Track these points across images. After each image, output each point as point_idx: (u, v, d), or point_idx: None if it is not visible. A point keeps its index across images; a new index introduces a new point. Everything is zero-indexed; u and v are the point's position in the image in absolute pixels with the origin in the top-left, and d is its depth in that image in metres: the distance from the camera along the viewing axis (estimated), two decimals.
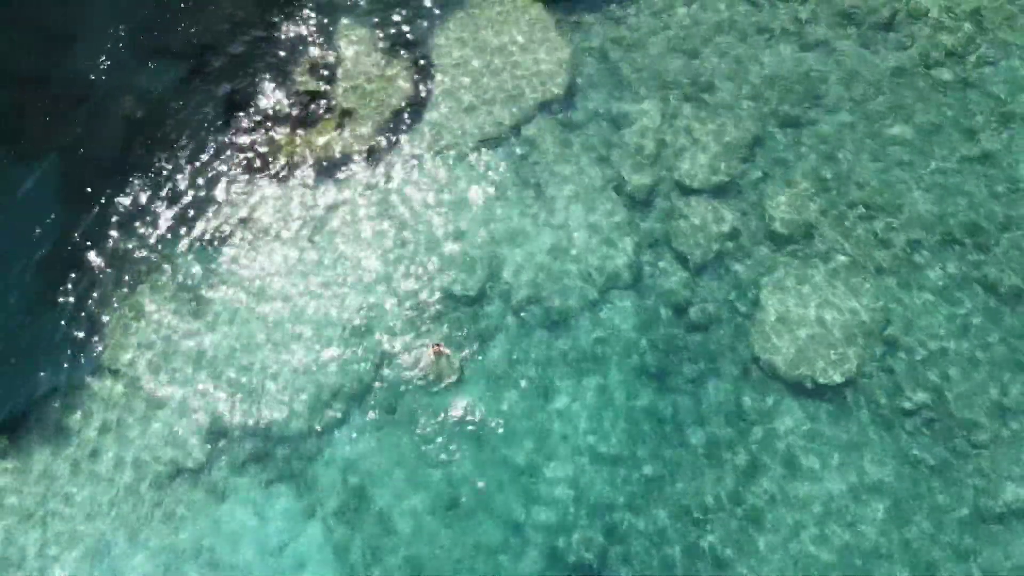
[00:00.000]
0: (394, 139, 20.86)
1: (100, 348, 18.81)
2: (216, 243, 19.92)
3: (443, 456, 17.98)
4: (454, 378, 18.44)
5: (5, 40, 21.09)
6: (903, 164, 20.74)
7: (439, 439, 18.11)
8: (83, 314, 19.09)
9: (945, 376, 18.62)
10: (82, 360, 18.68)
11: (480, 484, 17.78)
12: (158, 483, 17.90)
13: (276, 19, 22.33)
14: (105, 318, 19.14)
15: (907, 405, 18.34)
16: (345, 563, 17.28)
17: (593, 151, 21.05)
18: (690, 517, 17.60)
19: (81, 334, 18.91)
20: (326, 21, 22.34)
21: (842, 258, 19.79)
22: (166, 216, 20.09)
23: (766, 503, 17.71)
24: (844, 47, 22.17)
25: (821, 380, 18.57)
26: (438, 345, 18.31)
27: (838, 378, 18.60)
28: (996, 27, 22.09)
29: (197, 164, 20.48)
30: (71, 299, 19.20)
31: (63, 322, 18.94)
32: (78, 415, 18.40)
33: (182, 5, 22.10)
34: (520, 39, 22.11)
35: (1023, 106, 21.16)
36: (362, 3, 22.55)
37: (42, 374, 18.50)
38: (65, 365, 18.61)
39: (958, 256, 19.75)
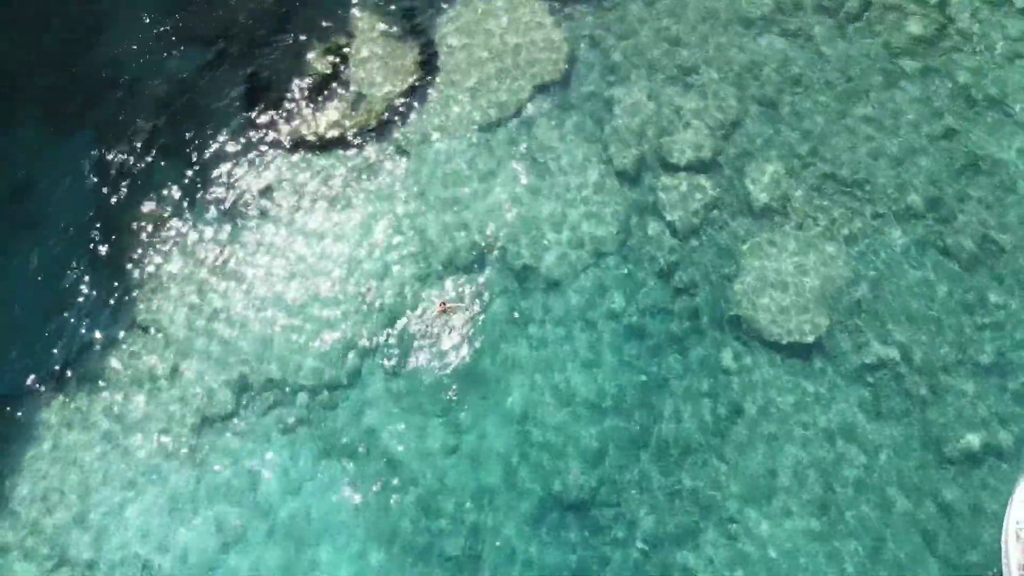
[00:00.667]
0: (402, 118, 22.60)
1: (134, 305, 20.55)
2: (239, 210, 21.66)
3: (447, 403, 19.71)
4: (457, 334, 20.18)
5: (46, 27, 22.78)
6: (871, 141, 22.48)
7: (444, 388, 19.84)
8: (118, 274, 20.83)
9: (907, 333, 20.36)
10: (118, 316, 20.41)
11: (480, 429, 19.54)
12: (188, 428, 19.62)
13: (293, 5, 24.05)
14: (138, 278, 20.86)
15: (872, 359, 20.09)
16: (358, 501, 18.99)
17: (586, 130, 22.78)
18: (671, 457, 19.35)
19: (116, 293, 20.65)
20: (339, 8, 24.06)
21: (815, 227, 21.53)
22: (193, 186, 21.83)
23: (741, 446, 19.44)
24: (818, 35, 23.89)
25: (795, 338, 20.31)
26: (444, 303, 20.05)
27: (810, 336, 20.35)
28: (959, 17, 23.85)
29: (221, 140, 22.21)
30: (107, 261, 20.93)
31: (100, 282, 20.67)
32: (116, 366, 20.13)
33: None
34: (519, 27, 23.83)
35: (983, 89, 22.89)
36: (380, 3, 24.28)
37: (83, 329, 20.23)
38: (103, 321, 20.34)
39: (920, 225, 21.50)
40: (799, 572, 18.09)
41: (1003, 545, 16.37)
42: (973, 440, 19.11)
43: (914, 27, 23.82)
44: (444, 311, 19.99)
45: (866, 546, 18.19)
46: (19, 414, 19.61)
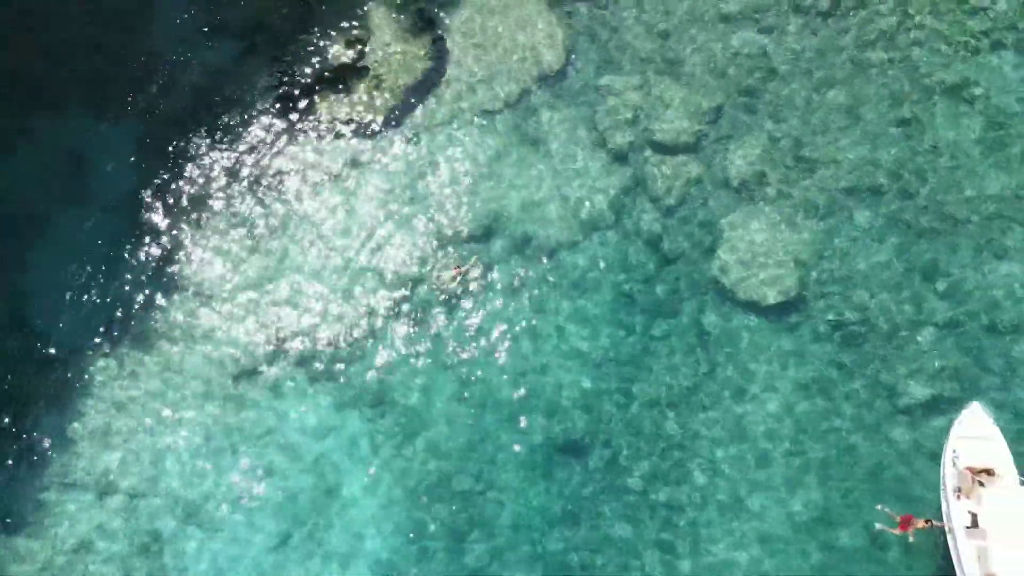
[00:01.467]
0: (417, 105, 24.97)
1: (175, 271, 22.92)
2: (267, 187, 24.02)
3: (458, 358, 22.11)
4: (467, 296, 22.57)
5: (91, 19, 25.10)
6: (840, 126, 24.84)
7: (455, 344, 22.24)
8: (160, 243, 23.19)
9: (869, 296, 22.73)
10: (161, 281, 22.79)
11: (486, 381, 21.93)
12: (225, 381, 21.99)
13: (312, 6, 26.39)
14: (177, 247, 23.23)
15: (838, 319, 22.46)
16: (378, 444, 21.38)
17: (582, 116, 25.16)
18: (658, 407, 21.75)
19: (159, 260, 23.02)
20: (358, 3, 26.39)
21: (788, 202, 23.90)
22: (226, 165, 24.18)
23: (720, 398, 21.83)
24: (792, 30, 26.26)
25: (770, 300, 22.66)
26: (458, 267, 22.44)
27: (783, 298, 22.71)
28: (921, 14, 26.21)
29: (252, 124, 24.57)
30: (150, 231, 23.30)
31: (144, 250, 23.04)
32: (159, 326, 22.50)
33: None
34: (521, 22, 26.18)
35: (942, 81, 25.28)
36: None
37: (130, 293, 22.60)
38: (148, 286, 22.72)
39: (884, 202, 23.86)
40: (768, 500, 20.49)
41: (941, 471, 18.78)
42: (925, 390, 21.50)
43: (879, 22, 26.19)
44: (458, 275, 22.36)
45: (826, 480, 20.59)
46: (77, 369, 21.96)
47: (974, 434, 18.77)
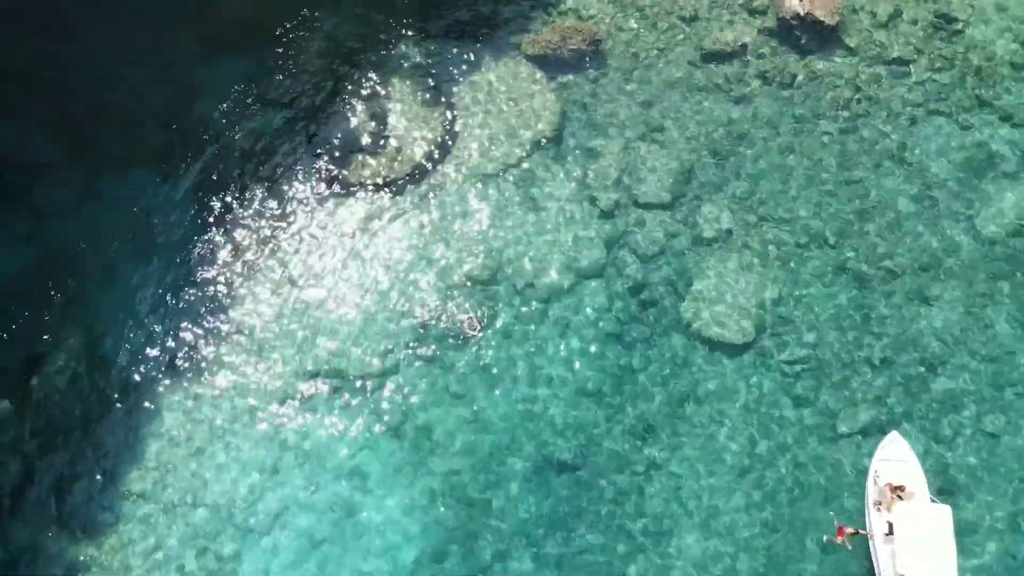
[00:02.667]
0: (432, 168, 28.98)
1: (228, 309, 26.92)
2: (303, 239, 28.02)
3: (466, 387, 26.11)
4: (478, 335, 26.57)
5: (155, 91, 29.12)
6: (797, 186, 28.89)
7: (464, 376, 26.23)
8: (214, 287, 27.21)
9: (819, 336, 26.76)
10: (212, 319, 26.79)
11: (491, 406, 25.93)
12: (267, 407, 25.97)
13: (344, 75, 30.41)
14: (228, 290, 27.24)
15: (791, 356, 26.48)
16: (398, 458, 25.35)
17: (574, 175, 29.17)
18: (637, 431, 25.75)
19: (214, 301, 27.04)
20: (380, 78, 30.42)
21: (750, 254, 27.93)
22: (269, 220, 28.19)
23: (690, 421, 25.82)
24: (759, 101, 30.31)
25: (731, 340, 26.67)
26: (470, 317, 26.45)
27: (745, 338, 26.71)
28: (869, 87, 30.24)
29: (291, 183, 28.59)
30: (206, 278, 27.31)
31: (202, 293, 27.06)
32: (213, 359, 26.50)
33: (278, 62, 30.22)
34: (521, 93, 30.20)
35: (885, 145, 29.31)
36: (406, 66, 30.61)
37: (187, 330, 26.61)
38: (203, 324, 26.72)
39: (831, 254, 27.91)
40: (727, 509, 24.49)
41: (866, 487, 22.81)
42: (862, 417, 25.53)
43: (832, 94, 30.25)
44: (468, 322, 26.40)
45: (773, 492, 24.60)
46: (143, 397, 25.95)
47: (893, 457, 22.81)
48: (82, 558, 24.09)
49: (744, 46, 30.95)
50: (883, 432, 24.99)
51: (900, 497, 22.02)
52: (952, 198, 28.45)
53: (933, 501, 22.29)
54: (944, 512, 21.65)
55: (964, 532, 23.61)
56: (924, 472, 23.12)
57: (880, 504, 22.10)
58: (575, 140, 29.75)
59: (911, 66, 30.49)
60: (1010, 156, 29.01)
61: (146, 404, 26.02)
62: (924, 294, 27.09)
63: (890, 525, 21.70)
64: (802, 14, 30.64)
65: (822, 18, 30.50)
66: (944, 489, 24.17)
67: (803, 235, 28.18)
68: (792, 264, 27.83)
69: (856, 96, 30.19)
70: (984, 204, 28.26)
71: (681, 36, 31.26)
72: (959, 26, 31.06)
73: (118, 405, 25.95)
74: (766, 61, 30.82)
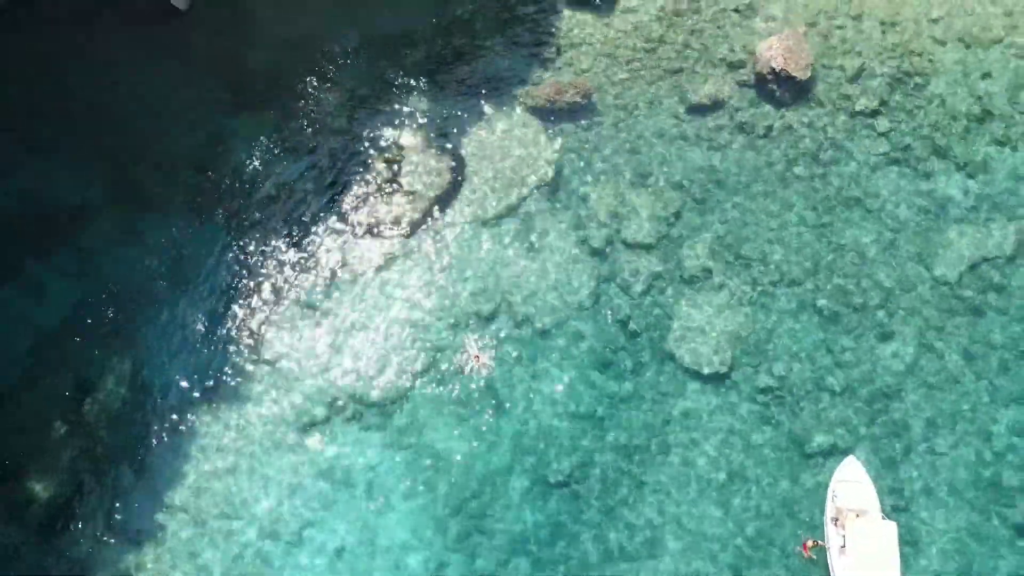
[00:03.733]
0: (441, 210, 31.99)
1: (255, 341, 29.90)
2: (326, 275, 31.02)
3: (473, 412, 29.11)
4: (484, 370, 29.60)
5: (190, 138, 32.14)
6: (769, 228, 31.91)
7: (469, 401, 29.24)
8: (245, 326, 30.19)
9: (788, 366, 29.79)
10: (241, 348, 29.78)
11: (494, 430, 28.94)
12: (295, 425, 28.96)
13: (361, 125, 33.41)
14: (258, 322, 30.22)
15: (763, 384, 29.51)
16: (411, 474, 28.33)
17: (569, 218, 32.18)
18: (623, 451, 28.76)
19: (243, 332, 30.02)
20: (393, 128, 33.42)
21: (727, 291, 30.96)
22: (293, 257, 31.20)
23: (671, 443, 28.83)
24: (736, 149, 33.31)
25: (710, 369, 29.70)
26: (477, 356, 29.43)
27: (722, 367, 29.73)
28: (838, 136, 33.27)
29: (312, 225, 31.61)
30: (236, 310, 30.29)
31: (231, 324, 30.05)
32: (244, 384, 29.49)
33: (301, 113, 33.25)
34: (523, 142, 33.21)
35: (851, 192, 32.32)
36: (417, 117, 33.61)
37: (221, 357, 29.62)
38: (234, 351, 29.72)
39: (801, 291, 30.94)
40: (706, 518, 27.53)
41: (826, 504, 25.88)
42: (824, 440, 28.58)
43: (803, 143, 33.27)
44: (475, 359, 29.44)
45: (745, 506, 27.64)
46: (181, 418, 28.96)
47: (849, 478, 25.86)
48: (130, 564, 27.12)
49: (724, 99, 33.96)
50: (844, 454, 28.09)
51: (856, 514, 25.08)
52: (910, 241, 31.49)
53: (884, 518, 25.36)
54: (891, 528, 24.72)
55: (912, 545, 26.80)
56: (876, 491, 26.19)
57: (836, 520, 25.16)
58: (569, 185, 32.75)
59: (876, 118, 33.50)
60: (964, 203, 32.03)
61: (183, 426, 29.04)
62: (883, 329, 30.15)
63: (844, 539, 24.76)
64: (777, 69, 33.66)
65: (795, 73, 33.52)
66: (897, 506, 27.29)
67: (775, 274, 31.21)
68: (764, 301, 30.87)
69: (825, 145, 33.21)
70: (939, 247, 31.28)
71: (666, 89, 34.27)
72: (920, 80, 34.08)
73: (159, 427, 28.97)
74: (744, 112, 33.84)
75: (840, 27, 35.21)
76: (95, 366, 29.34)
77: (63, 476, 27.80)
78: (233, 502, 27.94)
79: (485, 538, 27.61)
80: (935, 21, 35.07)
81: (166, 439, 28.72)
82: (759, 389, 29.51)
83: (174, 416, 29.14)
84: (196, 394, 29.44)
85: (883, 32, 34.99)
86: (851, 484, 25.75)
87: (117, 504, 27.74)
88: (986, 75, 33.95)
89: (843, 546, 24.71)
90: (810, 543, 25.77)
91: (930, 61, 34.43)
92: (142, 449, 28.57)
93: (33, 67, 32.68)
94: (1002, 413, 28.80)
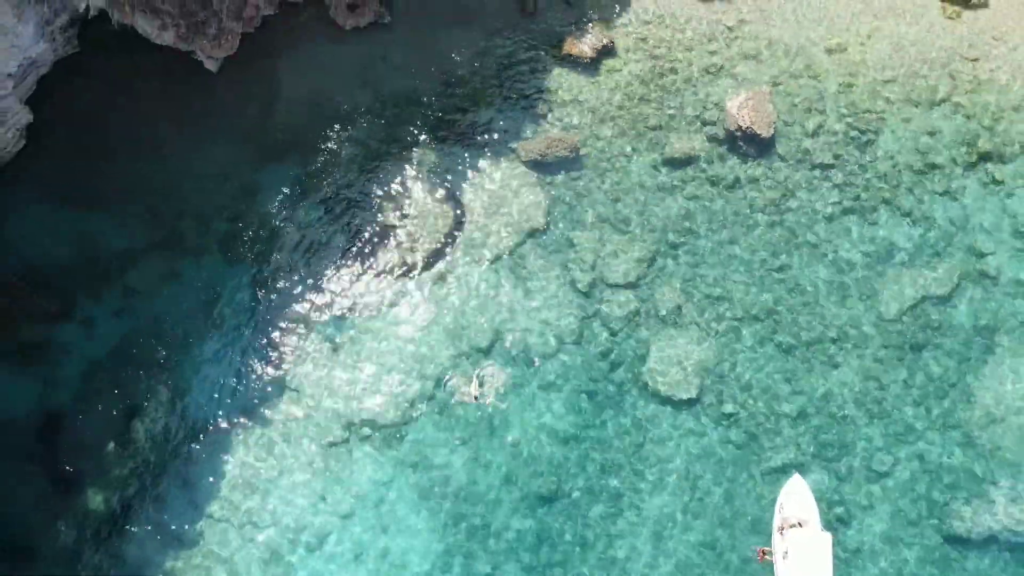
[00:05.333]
0: (443, 253, 36.12)
1: (282, 372, 34.03)
2: (342, 312, 35.13)
3: (470, 434, 33.22)
4: (481, 398, 33.73)
5: (222, 191, 36.30)
6: (735, 271, 36.04)
7: (468, 425, 33.35)
8: (272, 352, 34.33)
9: (749, 394, 33.92)
10: (269, 377, 33.93)
11: (490, 449, 33.05)
12: (314, 445, 33.06)
13: (373, 176, 37.52)
14: (284, 354, 34.35)
15: (728, 411, 33.62)
16: (418, 488, 32.45)
17: (558, 261, 36.30)
18: (604, 468, 32.85)
19: (271, 364, 34.17)
20: (402, 178, 37.55)
21: (697, 327, 35.08)
22: (313, 297, 35.29)
23: (647, 461, 32.95)
24: (707, 199, 37.42)
25: (680, 396, 33.81)
26: (477, 395, 33.51)
27: (690, 395, 33.85)
28: (796, 188, 37.36)
29: (329, 268, 35.71)
30: (264, 344, 34.41)
31: (261, 357, 34.18)
32: (274, 410, 33.60)
33: (320, 166, 37.38)
34: (516, 193, 37.34)
35: (808, 237, 36.44)
36: (423, 168, 37.75)
37: (252, 386, 33.74)
38: (264, 381, 33.84)
39: (762, 327, 35.05)
40: (671, 529, 31.68)
41: (774, 516, 30.00)
42: (779, 460, 32.71)
43: (767, 194, 37.40)
44: (475, 391, 33.57)
45: (709, 516, 31.78)
46: (220, 439, 33.06)
47: (794, 493, 29.97)
48: (174, 565, 31.20)
49: (696, 153, 38.08)
50: (796, 471, 32.22)
51: (799, 524, 29.21)
52: (858, 282, 35.63)
53: (822, 530, 29.47)
54: (827, 539, 28.85)
55: (854, 552, 30.99)
56: (817, 506, 30.32)
57: (781, 530, 29.28)
58: (559, 231, 36.87)
59: (831, 171, 37.66)
60: (907, 248, 36.19)
61: (217, 445, 33.11)
62: (833, 361, 34.31)
63: (786, 548, 28.90)
64: (743, 127, 37.81)
65: (759, 131, 37.67)
66: (841, 518, 31.48)
67: (739, 311, 35.34)
68: (729, 335, 35.00)
69: (785, 196, 37.34)
70: (884, 288, 35.45)
71: (646, 143, 38.40)
72: (871, 136, 38.24)
73: (196, 445, 33.05)
74: (714, 165, 37.98)
75: (802, 87, 39.37)
76: (140, 392, 33.43)
77: (115, 488, 31.93)
78: (262, 512, 32.00)
79: (482, 545, 31.70)
80: (887, 83, 39.25)
81: (203, 456, 32.81)
82: (723, 414, 33.63)
83: (210, 436, 33.21)
84: (229, 417, 33.50)
85: (840, 92, 39.17)
86: (795, 498, 29.87)
87: (162, 513, 31.82)
88: (929, 132, 38.13)
89: (786, 554, 28.84)
90: (762, 550, 29.90)
91: (881, 119, 38.60)
92: (182, 465, 32.65)
93: (83, 127, 36.79)
94: (934, 436, 33.00)
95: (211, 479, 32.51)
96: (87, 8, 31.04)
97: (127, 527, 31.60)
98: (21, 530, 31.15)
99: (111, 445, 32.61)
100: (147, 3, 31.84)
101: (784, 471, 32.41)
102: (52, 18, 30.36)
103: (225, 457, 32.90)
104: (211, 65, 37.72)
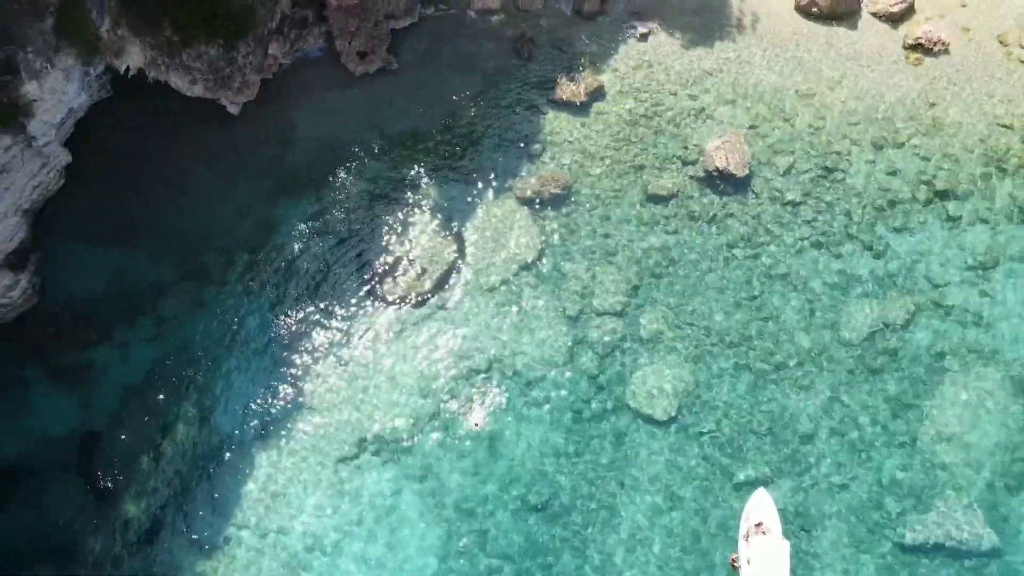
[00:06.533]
0: (446, 284, 39.57)
1: (298, 391, 37.48)
2: (354, 337, 38.58)
3: (470, 449, 36.69)
4: (480, 415, 37.23)
5: (242, 225, 39.75)
6: (712, 300, 39.51)
7: (468, 440, 36.82)
8: (291, 375, 37.81)
9: (724, 413, 37.41)
10: (287, 397, 37.38)
11: (489, 465, 36.51)
12: (329, 459, 36.51)
13: (382, 211, 40.98)
14: (302, 376, 37.80)
15: (703, 429, 37.13)
16: (423, 498, 35.93)
17: (550, 290, 39.77)
18: (592, 481, 36.29)
19: (288, 384, 37.64)
20: (408, 213, 40.99)
21: (676, 352, 38.57)
22: (328, 324, 38.76)
23: (629, 475, 36.41)
24: (687, 233, 40.91)
25: (661, 416, 37.30)
26: (476, 402, 36.99)
27: (670, 415, 37.34)
28: (769, 224, 40.85)
29: (343, 298, 39.15)
30: (284, 368, 37.88)
31: (280, 379, 37.63)
32: (291, 428, 37.07)
33: (333, 202, 40.83)
34: (513, 225, 40.79)
35: (779, 269, 39.93)
36: (427, 204, 41.18)
37: (271, 405, 37.19)
38: (283, 401, 37.30)
39: (736, 351, 38.55)
40: (652, 535, 35.18)
41: (741, 524, 33.52)
42: (749, 474, 36.20)
43: (741, 229, 40.90)
44: (474, 413, 37.03)
45: (685, 524, 35.28)
46: (242, 454, 36.53)
47: (759, 504, 33.47)
48: (204, 570, 34.64)
49: (678, 190, 41.54)
50: (765, 484, 35.73)
51: (763, 533, 32.72)
52: (824, 311, 39.15)
53: (782, 538, 32.97)
54: (785, 547, 32.35)
55: (816, 558, 34.50)
56: (779, 516, 33.83)
57: (747, 538, 32.79)
58: (551, 263, 40.33)
59: (800, 207, 41.17)
60: (869, 279, 39.72)
61: (242, 459, 36.56)
62: (799, 383, 37.81)
63: (750, 555, 32.41)
64: (721, 167, 41.27)
65: (735, 171, 41.15)
66: (803, 526, 34.99)
67: (715, 337, 38.83)
68: (706, 359, 38.51)
69: (758, 231, 40.84)
70: (847, 316, 38.97)
71: (631, 181, 41.88)
72: (838, 175, 41.76)
73: (224, 460, 36.50)
74: (694, 202, 41.47)
75: (775, 129, 42.88)
76: (171, 411, 36.87)
77: (150, 499, 35.37)
78: (284, 520, 35.45)
79: (480, 550, 35.18)
80: (853, 125, 42.75)
81: (229, 470, 36.25)
82: (700, 432, 37.13)
83: (233, 451, 36.66)
84: (252, 434, 36.94)
85: (810, 134, 42.68)
86: (760, 508, 33.38)
87: (191, 522, 35.28)
88: (891, 172, 41.65)
89: (749, 560, 32.34)
90: (733, 558, 33.40)
91: (847, 160, 42.11)
92: (211, 478, 36.08)
93: (115, 166, 40.21)
94: (890, 453, 36.53)
95: (236, 490, 35.94)
96: (127, 68, 34.32)
97: (159, 535, 35.04)
98: (65, 536, 34.57)
99: (144, 460, 36.05)
100: (180, 62, 35.24)
101: (753, 484, 35.90)
102: (93, 75, 33.64)
103: (248, 470, 36.35)
104: (233, 109, 41.07)
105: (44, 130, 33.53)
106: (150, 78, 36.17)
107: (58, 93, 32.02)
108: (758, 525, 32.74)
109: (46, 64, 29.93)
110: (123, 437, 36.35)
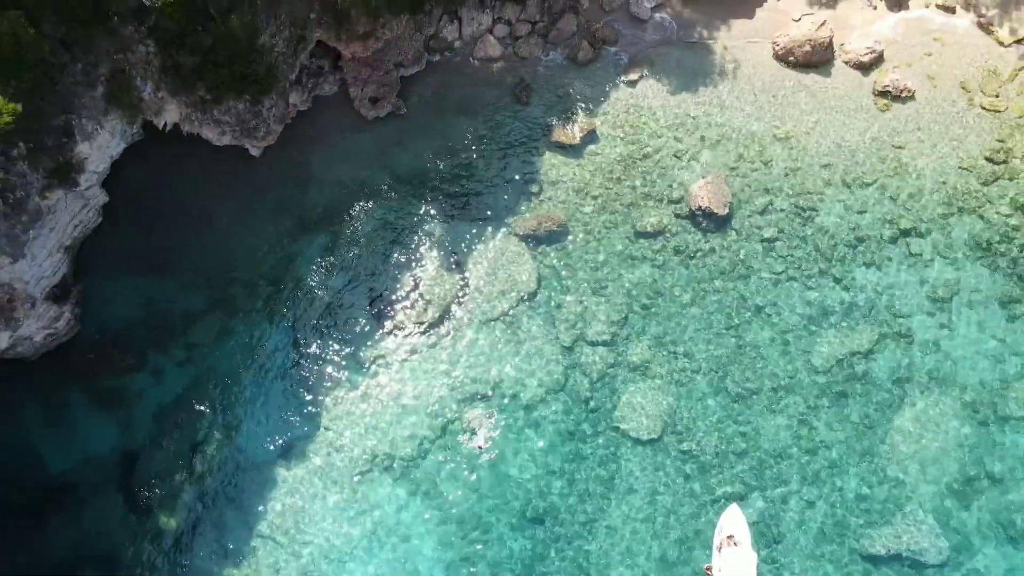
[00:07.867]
0: (450, 314, 43.23)
1: (316, 411, 41.15)
2: (365, 363, 42.24)
3: (472, 466, 40.36)
4: (481, 435, 40.91)
5: (263, 260, 43.42)
6: (694, 330, 43.17)
7: (470, 458, 40.47)
8: (308, 395, 41.47)
9: (703, 434, 41.08)
10: (305, 417, 41.05)
11: (488, 479, 40.19)
12: (341, 473, 40.18)
13: (390, 246, 44.65)
14: (318, 396, 41.46)
15: (684, 448, 40.80)
16: (430, 508, 39.58)
17: (545, 321, 43.42)
18: (583, 495, 39.98)
19: (305, 405, 41.28)
20: (414, 249, 44.63)
21: (661, 379, 42.22)
22: (341, 349, 42.42)
23: (617, 490, 40.08)
24: (673, 266, 44.56)
25: (645, 436, 40.97)
26: (478, 423, 40.64)
27: (654, 435, 40.99)
28: (747, 259, 44.48)
29: (355, 326, 42.82)
30: (301, 388, 41.54)
31: (299, 398, 41.30)
32: (305, 443, 40.74)
33: (347, 238, 44.48)
34: (511, 262, 44.44)
35: (755, 301, 43.56)
36: (432, 240, 44.83)
37: (291, 423, 40.85)
38: (302, 420, 40.96)
39: (716, 378, 42.20)
40: (637, 546, 38.84)
41: (715, 535, 37.19)
42: (723, 490, 39.87)
43: (721, 263, 44.53)
44: (477, 438, 40.69)
45: (667, 535, 38.95)
46: (265, 470, 40.19)
47: (731, 517, 37.15)
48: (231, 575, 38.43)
49: (664, 228, 45.18)
50: (740, 500, 39.41)
51: (735, 545, 36.41)
52: (797, 339, 42.82)
53: (751, 549, 36.65)
54: (753, 557, 36.04)
55: (786, 568, 38.19)
56: (750, 528, 37.52)
57: (720, 549, 36.48)
58: (547, 295, 44.01)
59: (776, 243, 44.81)
60: (838, 310, 43.37)
61: (266, 474, 40.27)
62: (773, 406, 41.49)
63: (721, 566, 36.11)
64: (703, 206, 44.92)
65: (716, 210, 44.79)
66: (774, 538, 38.68)
67: (697, 364, 42.50)
68: (688, 384, 42.19)
69: (737, 265, 44.49)
70: (817, 344, 42.64)
71: (621, 219, 45.52)
72: (811, 214, 45.39)
73: (249, 475, 40.19)
74: (678, 238, 45.12)
75: (754, 170, 46.50)
76: (201, 431, 40.58)
77: (183, 511, 39.09)
78: (303, 530, 39.16)
79: (481, 557, 38.88)
80: (825, 167, 46.39)
81: (254, 484, 39.95)
82: (682, 451, 40.81)
83: (258, 467, 40.36)
84: (274, 451, 40.65)
85: (786, 175, 46.31)
86: (732, 521, 37.07)
87: (220, 532, 38.98)
88: (860, 211, 45.30)
89: (720, 569, 36.03)
90: (708, 568, 37.11)
91: (819, 199, 45.76)
92: (237, 492, 39.78)
93: (147, 204, 43.87)
94: (854, 470, 40.22)
95: (260, 502, 39.65)
96: (165, 124, 37.99)
97: (191, 544, 38.76)
98: (107, 545, 38.30)
99: (177, 476, 39.75)
100: (212, 117, 38.90)
101: (728, 499, 39.59)
102: (133, 130, 37.33)
103: (271, 484, 40.04)
104: (255, 152, 44.70)
105: (88, 179, 37.17)
106: (184, 132, 39.79)
107: (104, 148, 35.64)
108: (730, 537, 36.37)
109: (97, 127, 33.63)
110: (158, 455, 40.06)
